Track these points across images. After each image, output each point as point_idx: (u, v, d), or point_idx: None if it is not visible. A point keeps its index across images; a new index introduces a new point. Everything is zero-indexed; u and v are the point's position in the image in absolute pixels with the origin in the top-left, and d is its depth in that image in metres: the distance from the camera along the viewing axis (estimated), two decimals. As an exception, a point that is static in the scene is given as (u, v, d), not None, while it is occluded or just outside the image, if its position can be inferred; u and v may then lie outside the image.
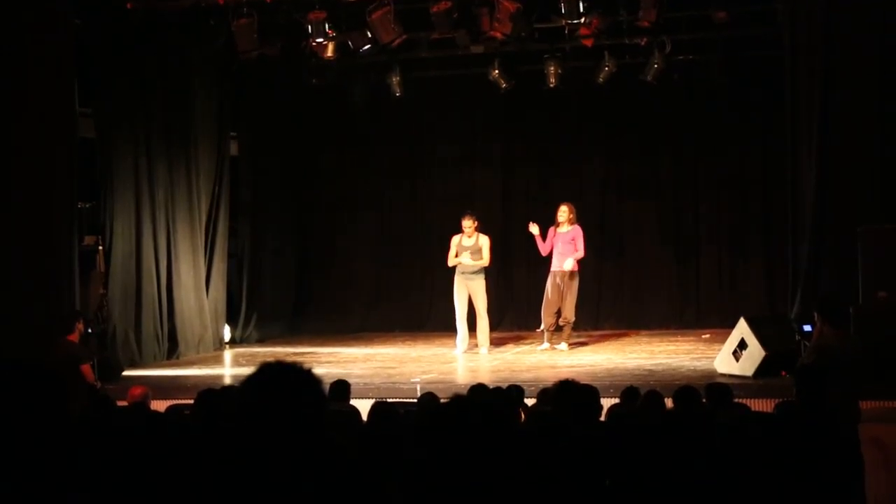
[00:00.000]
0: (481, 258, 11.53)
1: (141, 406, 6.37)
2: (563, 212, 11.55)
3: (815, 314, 6.96)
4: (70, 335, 8.88)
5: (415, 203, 14.91)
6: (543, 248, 11.61)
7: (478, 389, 5.92)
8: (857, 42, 10.15)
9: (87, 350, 9.40)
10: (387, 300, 14.82)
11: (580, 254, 11.45)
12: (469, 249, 11.53)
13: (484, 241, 11.57)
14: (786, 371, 8.53)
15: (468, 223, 11.56)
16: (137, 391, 6.90)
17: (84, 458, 3.06)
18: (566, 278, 11.42)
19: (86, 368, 8.63)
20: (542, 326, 11.68)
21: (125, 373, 10.74)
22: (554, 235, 11.54)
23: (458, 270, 11.59)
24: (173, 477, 3.55)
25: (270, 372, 2.27)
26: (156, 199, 11.93)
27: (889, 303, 8.96)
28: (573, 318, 11.53)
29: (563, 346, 11.56)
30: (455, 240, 11.63)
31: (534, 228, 11.61)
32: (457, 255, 11.55)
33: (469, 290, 11.56)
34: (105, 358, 10.59)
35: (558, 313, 11.48)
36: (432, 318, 14.00)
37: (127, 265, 11.57)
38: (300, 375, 2.26)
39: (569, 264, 11.39)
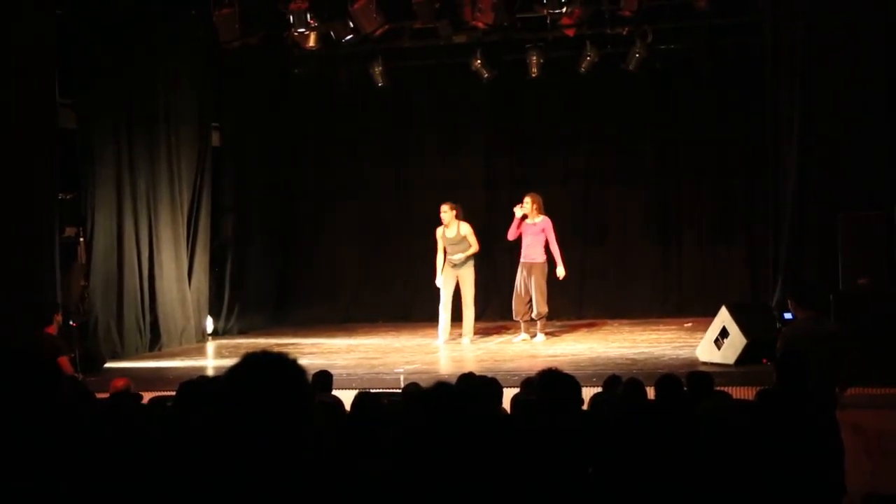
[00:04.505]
0: (469, 247, 11.48)
1: (122, 397, 6.35)
2: (527, 203, 11.35)
3: (789, 300, 7.02)
4: (48, 327, 8.86)
5: (398, 193, 14.90)
6: (512, 233, 11.55)
7: (465, 379, 5.92)
8: (838, 31, 10.19)
9: (66, 342, 9.37)
10: (371, 290, 14.82)
11: (556, 250, 11.37)
12: (452, 242, 11.46)
13: (465, 229, 11.45)
14: (767, 359, 8.57)
15: (446, 209, 11.45)
16: (119, 383, 6.89)
17: (64, 449, 3.05)
18: (531, 271, 11.38)
19: (63, 361, 8.60)
20: (515, 318, 11.68)
21: (107, 365, 10.70)
22: (520, 225, 11.48)
23: (447, 260, 11.56)
24: (155, 469, 3.55)
25: (255, 362, 2.26)
26: (137, 190, 11.89)
27: (869, 289, 9.02)
28: (545, 310, 11.41)
29: (541, 338, 11.52)
30: (438, 233, 11.57)
31: (518, 211, 11.47)
32: (445, 254, 11.48)
33: (458, 279, 11.53)
34: (87, 350, 10.55)
35: (530, 304, 11.46)
36: (416, 309, 14.00)
37: (108, 256, 11.54)
38: (285, 366, 2.26)
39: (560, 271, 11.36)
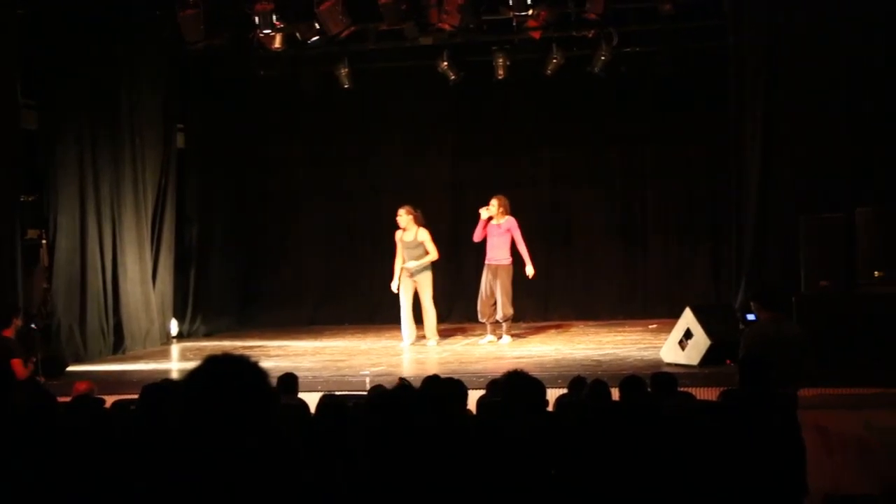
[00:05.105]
0: (426, 254, 11.44)
1: (84, 401, 6.30)
2: (494, 205, 11.39)
3: (752, 302, 7.09)
4: (6, 330, 8.77)
5: (364, 194, 14.86)
6: (477, 235, 11.59)
7: (430, 381, 5.93)
8: (800, 35, 10.31)
9: (21, 345, 9.27)
10: (337, 293, 14.78)
11: (524, 249, 11.43)
12: (409, 247, 11.44)
13: (423, 236, 11.42)
14: (730, 359, 8.65)
15: (402, 213, 11.42)
16: (82, 386, 6.84)
17: (21, 452, 3.03)
18: (497, 273, 11.41)
19: (16, 363, 8.50)
20: (480, 319, 11.71)
21: (70, 368, 10.60)
22: (485, 226, 11.50)
23: (403, 267, 11.54)
24: (117, 472, 3.53)
25: (215, 365, 2.25)
26: (100, 192, 11.79)
27: (830, 291, 9.12)
28: (510, 312, 11.46)
29: (507, 339, 11.56)
30: (397, 236, 11.57)
31: (484, 213, 11.51)
32: (403, 261, 11.49)
33: (415, 284, 11.53)
34: (49, 353, 10.44)
35: (495, 306, 11.48)
36: (382, 311, 13.95)
37: (71, 259, 11.43)
38: (246, 368, 2.25)
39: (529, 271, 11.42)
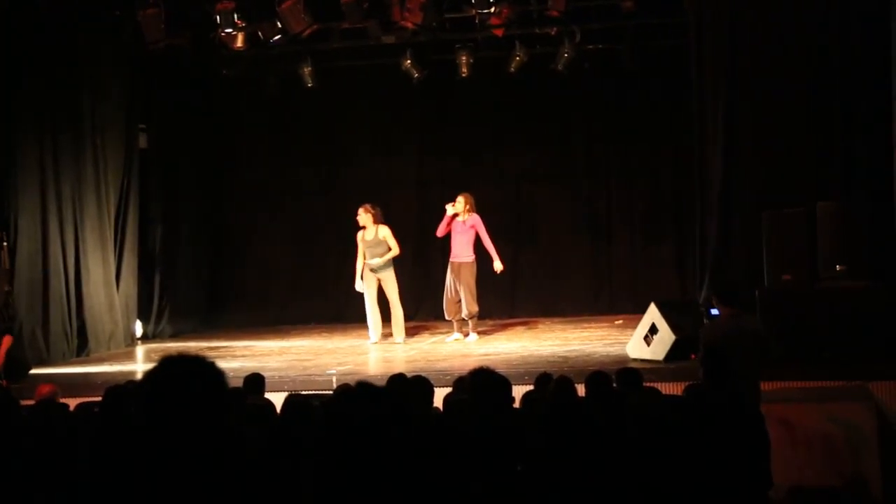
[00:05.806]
0: (388, 250, 11.43)
1: (47, 404, 6.24)
2: (460, 202, 11.41)
3: (712, 298, 7.14)
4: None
5: (330, 193, 14.83)
6: (441, 230, 11.60)
7: (395, 379, 5.92)
8: (761, 33, 10.38)
9: None
10: (303, 292, 14.74)
11: (490, 245, 11.44)
12: (370, 245, 11.42)
13: (383, 232, 11.42)
14: (695, 354, 8.69)
15: (362, 212, 11.41)
16: (45, 389, 6.77)
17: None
18: (460, 270, 11.43)
19: None
20: (447, 317, 11.71)
21: (33, 371, 10.50)
22: (450, 223, 11.52)
23: (366, 264, 11.54)
24: (80, 474, 3.49)
25: (171, 365, 2.24)
26: (62, 194, 11.67)
27: (793, 285, 9.20)
28: (475, 309, 11.47)
29: (473, 337, 11.57)
30: (359, 236, 11.55)
31: (450, 209, 11.53)
32: (365, 259, 11.46)
33: (379, 281, 11.52)
34: (11, 356, 10.31)
35: (461, 303, 11.48)
36: (349, 310, 13.92)
37: (33, 261, 11.31)
38: (201, 368, 2.24)
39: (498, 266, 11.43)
